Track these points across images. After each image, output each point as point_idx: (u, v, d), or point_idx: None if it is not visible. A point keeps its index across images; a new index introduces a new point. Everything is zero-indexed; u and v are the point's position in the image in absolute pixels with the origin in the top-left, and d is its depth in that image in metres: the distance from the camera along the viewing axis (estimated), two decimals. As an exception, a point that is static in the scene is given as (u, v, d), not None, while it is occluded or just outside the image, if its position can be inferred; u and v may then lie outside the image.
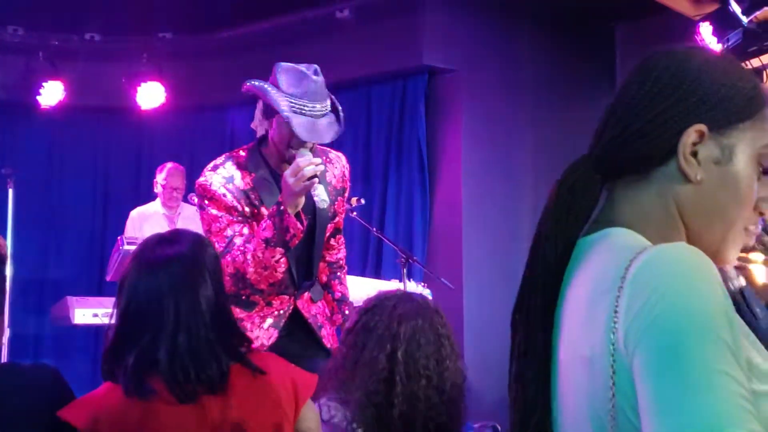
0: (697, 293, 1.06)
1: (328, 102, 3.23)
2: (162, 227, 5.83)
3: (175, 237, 2.30)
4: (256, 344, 3.21)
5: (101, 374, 2.17)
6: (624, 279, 1.11)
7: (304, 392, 2.26)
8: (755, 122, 1.24)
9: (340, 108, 3.28)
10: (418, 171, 6.84)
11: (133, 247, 5.31)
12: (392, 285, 5.09)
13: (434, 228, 6.85)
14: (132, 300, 2.16)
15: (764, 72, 5.69)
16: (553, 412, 1.25)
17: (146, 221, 6.38)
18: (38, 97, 7.36)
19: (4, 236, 6.14)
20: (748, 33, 5.43)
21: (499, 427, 5.60)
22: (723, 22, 5.35)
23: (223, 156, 3.32)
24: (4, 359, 5.65)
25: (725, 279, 1.71)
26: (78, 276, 7.79)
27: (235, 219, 3.20)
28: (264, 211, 3.22)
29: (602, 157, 1.29)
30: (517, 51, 7.01)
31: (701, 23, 5.42)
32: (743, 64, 5.49)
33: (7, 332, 5.77)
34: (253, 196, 3.24)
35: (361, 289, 4.17)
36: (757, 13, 5.30)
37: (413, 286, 5.11)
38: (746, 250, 1.32)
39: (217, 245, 3.13)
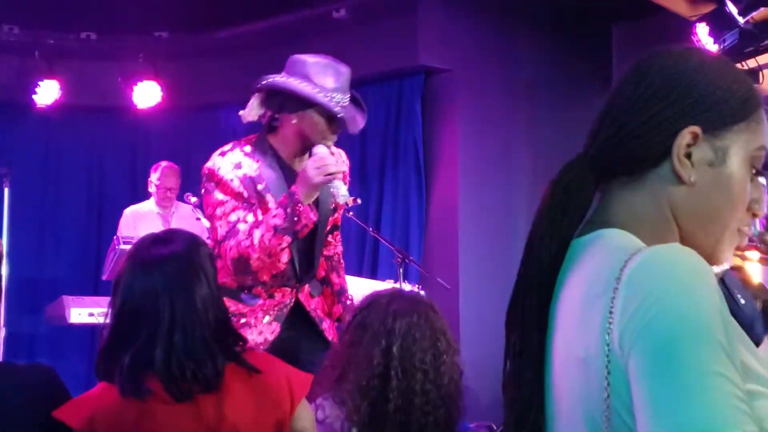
0: (692, 295, 1.06)
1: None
2: (156, 226, 5.82)
3: (169, 236, 2.30)
4: (259, 339, 3.25)
5: (96, 374, 2.17)
6: (619, 280, 1.11)
7: (299, 391, 2.26)
8: (749, 124, 1.25)
9: (358, 96, 3.36)
10: (415, 171, 6.84)
11: (128, 247, 5.31)
12: (388, 285, 5.08)
13: (430, 228, 6.85)
14: (127, 299, 2.16)
15: (760, 73, 5.70)
16: (548, 412, 1.25)
17: (140, 220, 6.37)
18: (34, 96, 7.35)
19: (0, 235, 6.14)
20: (745, 33, 5.44)
21: (495, 427, 5.61)
22: (719, 22, 5.35)
23: (231, 143, 3.33)
24: (0, 358, 5.64)
25: None
26: (74, 275, 7.78)
27: (240, 205, 3.21)
28: (269, 198, 3.23)
29: (597, 158, 1.29)
30: (513, 51, 7.01)
31: (698, 24, 5.42)
32: (740, 65, 5.52)
33: (2, 331, 5.78)
34: (259, 184, 3.25)
35: (357, 289, 4.16)
36: (754, 14, 5.30)
37: (408, 288, 5.11)
38: (740, 249, 1.32)
39: (220, 230, 3.17)
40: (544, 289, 1.26)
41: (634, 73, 1.29)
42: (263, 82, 3.26)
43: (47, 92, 7.36)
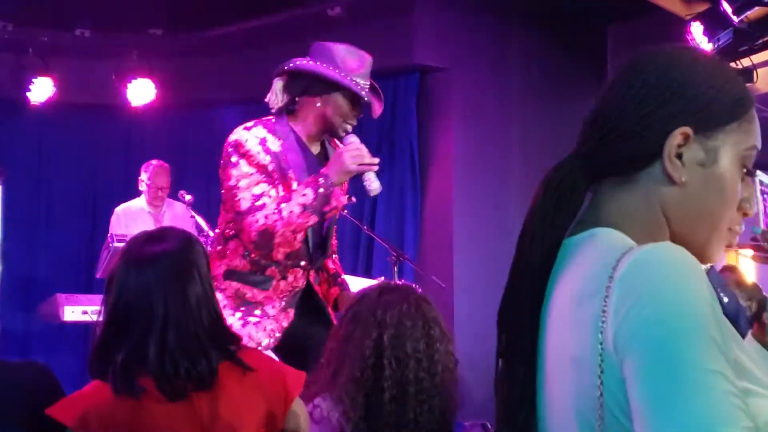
0: (686, 293, 1.06)
1: None
2: (147, 225, 5.81)
3: (163, 234, 2.29)
4: (274, 326, 3.32)
5: (89, 372, 2.17)
6: (612, 279, 1.11)
7: (293, 390, 2.26)
8: (740, 124, 1.25)
9: (376, 85, 3.45)
10: (409, 169, 6.84)
11: (122, 245, 5.31)
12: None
13: (425, 226, 6.85)
14: (121, 297, 2.16)
15: (755, 72, 5.71)
16: (540, 411, 1.25)
17: (131, 219, 6.34)
18: (28, 94, 7.34)
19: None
20: (739, 32, 5.45)
21: (489, 425, 5.61)
22: (714, 21, 5.36)
23: (253, 121, 3.37)
24: (-7, 356, 5.62)
25: None
26: (67, 273, 7.76)
27: (265, 179, 3.24)
28: (291, 175, 3.28)
29: (588, 158, 1.29)
30: (509, 50, 7.01)
31: (692, 22, 5.43)
32: (734, 64, 5.53)
33: (-4, 329, 5.78)
34: (283, 161, 3.29)
35: (352, 287, 4.17)
36: (748, 13, 5.32)
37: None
38: (730, 247, 1.33)
39: (243, 202, 3.19)
40: (535, 289, 1.26)
41: (626, 72, 1.29)
42: (290, 65, 3.34)
43: (41, 89, 7.35)
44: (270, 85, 3.39)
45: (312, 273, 3.48)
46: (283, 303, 3.37)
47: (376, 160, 3.31)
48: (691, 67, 1.26)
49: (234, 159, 3.24)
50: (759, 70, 5.76)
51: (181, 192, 6.14)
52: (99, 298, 5.53)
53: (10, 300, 7.29)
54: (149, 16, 7.26)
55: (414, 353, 2.31)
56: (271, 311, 3.33)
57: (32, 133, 7.93)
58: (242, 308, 3.30)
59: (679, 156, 1.22)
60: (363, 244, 6.91)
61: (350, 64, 3.32)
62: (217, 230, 3.45)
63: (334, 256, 3.72)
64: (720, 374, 1.02)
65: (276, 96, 3.37)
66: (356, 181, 3.37)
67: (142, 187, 6.53)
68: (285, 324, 3.36)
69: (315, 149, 3.44)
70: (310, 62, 3.33)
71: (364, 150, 3.28)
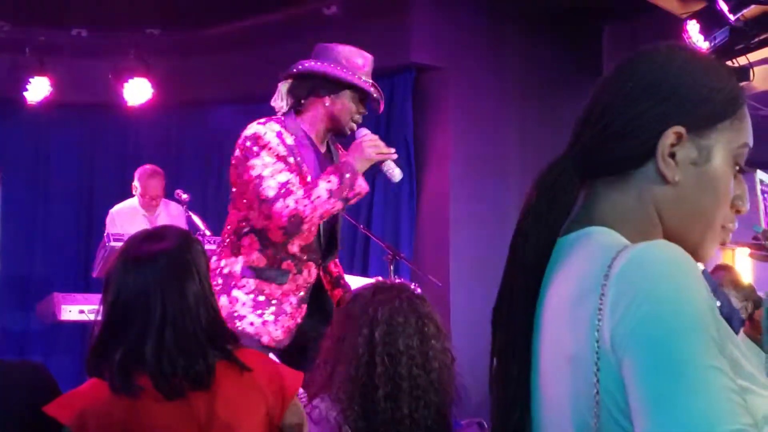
0: (683, 291, 1.07)
1: None
2: (142, 226, 5.77)
3: (162, 233, 2.29)
4: (291, 324, 3.38)
5: (86, 370, 2.16)
6: (607, 277, 1.12)
7: (290, 389, 2.26)
8: (733, 122, 1.25)
9: (375, 84, 3.51)
10: (405, 168, 6.83)
11: (119, 244, 5.29)
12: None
13: (421, 225, 6.85)
14: (119, 296, 2.16)
15: (751, 70, 5.72)
16: (534, 411, 1.25)
17: (126, 220, 6.29)
18: (25, 93, 7.32)
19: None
20: (735, 31, 5.46)
21: (486, 424, 5.61)
22: (710, 20, 5.37)
23: (264, 118, 3.42)
24: (-10, 356, 5.62)
25: None
26: (64, 272, 7.75)
27: (287, 168, 3.29)
28: (305, 168, 3.34)
29: (581, 157, 1.29)
30: (505, 49, 7.01)
31: (689, 21, 5.43)
32: (730, 63, 5.53)
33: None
34: (297, 155, 3.35)
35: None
36: (744, 11, 5.32)
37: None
38: (724, 245, 1.33)
39: (268, 190, 3.22)
40: (530, 288, 1.26)
41: (619, 71, 1.30)
42: (299, 68, 3.41)
43: (38, 89, 7.34)
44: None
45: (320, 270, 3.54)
46: (299, 299, 3.43)
47: (393, 149, 3.41)
48: (683, 66, 1.26)
49: (255, 149, 3.28)
50: (755, 69, 5.76)
51: (178, 191, 6.12)
52: (96, 297, 5.54)
53: (8, 299, 7.28)
54: (146, 16, 7.26)
55: (407, 349, 2.31)
56: (288, 308, 3.38)
57: (29, 133, 7.91)
58: (260, 305, 3.34)
59: (672, 155, 1.23)
60: (359, 244, 6.91)
61: (356, 62, 3.41)
62: (228, 227, 3.46)
63: (336, 259, 3.74)
64: (719, 371, 1.02)
65: (282, 99, 3.44)
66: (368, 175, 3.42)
67: (135, 192, 6.49)
68: (299, 320, 3.43)
69: (322, 149, 3.50)
70: (318, 63, 3.40)
71: (380, 141, 3.37)
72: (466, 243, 6.64)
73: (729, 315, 4.55)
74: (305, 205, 3.20)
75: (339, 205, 3.27)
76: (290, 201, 3.20)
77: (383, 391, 2.28)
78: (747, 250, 3.87)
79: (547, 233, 1.27)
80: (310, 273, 3.47)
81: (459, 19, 6.80)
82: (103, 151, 8.15)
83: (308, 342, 3.34)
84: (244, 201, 3.37)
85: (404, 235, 6.78)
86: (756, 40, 5.67)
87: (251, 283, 3.34)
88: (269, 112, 3.46)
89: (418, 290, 2.52)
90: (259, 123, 3.36)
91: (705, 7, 5.45)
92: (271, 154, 3.27)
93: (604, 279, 1.12)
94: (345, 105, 3.42)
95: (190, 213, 6.00)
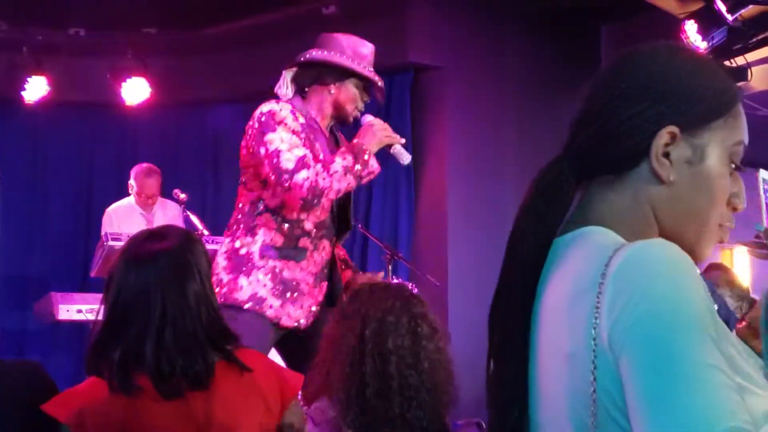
0: (681, 289, 1.07)
1: None
2: (139, 225, 5.77)
3: (164, 232, 2.29)
4: (311, 303, 3.43)
5: (86, 369, 2.16)
6: (604, 276, 1.12)
7: (290, 391, 2.26)
8: (727, 120, 1.25)
9: (376, 74, 3.58)
10: (404, 168, 6.82)
11: (117, 243, 5.30)
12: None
13: (419, 224, 6.85)
14: (119, 295, 2.16)
15: (749, 70, 5.72)
16: (532, 411, 1.25)
17: (123, 219, 6.27)
18: (22, 93, 7.31)
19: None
20: (733, 31, 5.46)
21: (484, 424, 5.61)
22: (708, 20, 5.37)
23: (273, 100, 3.45)
24: (-12, 355, 5.62)
25: None
26: (62, 272, 7.74)
27: (303, 143, 3.33)
28: (318, 146, 3.39)
29: (577, 158, 1.29)
30: (503, 49, 7.01)
31: (686, 21, 5.43)
32: (728, 62, 5.53)
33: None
34: (309, 133, 3.39)
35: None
36: (742, 11, 5.32)
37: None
38: (722, 243, 1.33)
39: (287, 163, 3.23)
40: (527, 288, 1.26)
41: (614, 71, 1.29)
42: (306, 57, 3.47)
43: (35, 88, 7.32)
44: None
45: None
46: (315, 277, 3.47)
47: (397, 136, 3.49)
48: (678, 66, 1.26)
49: (270, 126, 3.31)
50: (753, 69, 5.77)
51: (176, 191, 6.11)
52: (94, 297, 5.54)
53: (5, 299, 7.28)
54: (143, 15, 7.25)
55: (396, 349, 2.31)
56: (306, 288, 3.42)
57: (27, 132, 7.90)
58: (281, 287, 3.35)
59: (667, 155, 1.23)
60: (357, 243, 6.90)
61: (360, 51, 3.49)
62: (240, 206, 3.47)
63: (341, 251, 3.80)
64: (717, 368, 1.02)
65: (286, 87, 3.48)
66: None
67: (132, 191, 6.48)
68: (320, 298, 3.49)
69: (326, 134, 3.55)
70: (324, 52, 3.46)
71: (387, 126, 3.47)
72: (464, 243, 6.64)
73: (726, 317, 4.56)
74: (324, 178, 3.24)
75: (354, 183, 3.34)
76: (311, 173, 3.23)
77: (372, 389, 2.27)
78: (745, 249, 3.87)
79: (543, 233, 1.27)
80: (326, 250, 3.51)
81: (457, 18, 6.80)
82: (101, 150, 8.14)
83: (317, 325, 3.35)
84: (259, 180, 3.38)
85: (402, 235, 6.78)
86: (754, 40, 5.68)
87: (270, 263, 3.36)
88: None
89: (415, 290, 2.51)
90: (271, 102, 3.40)
91: (703, 7, 5.45)
92: (288, 129, 3.31)
93: (601, 277, 1.12)
94: (350, 93, 3.50)
95: (188, 212, 5.99)
